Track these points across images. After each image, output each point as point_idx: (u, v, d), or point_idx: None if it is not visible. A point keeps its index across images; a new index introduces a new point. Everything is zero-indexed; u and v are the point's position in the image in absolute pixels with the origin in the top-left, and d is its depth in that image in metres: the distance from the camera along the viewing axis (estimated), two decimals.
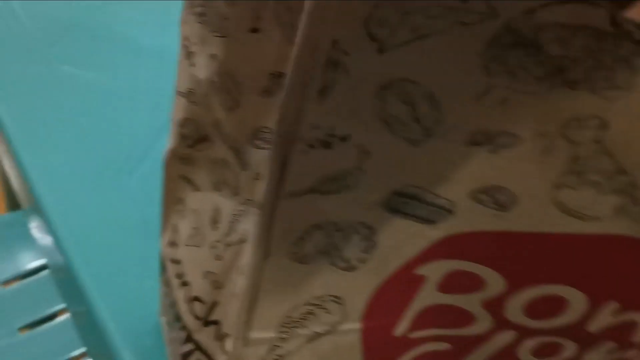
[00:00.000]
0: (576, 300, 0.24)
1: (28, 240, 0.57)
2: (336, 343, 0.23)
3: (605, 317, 0.24)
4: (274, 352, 0.22)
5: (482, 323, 0.25)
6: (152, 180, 0.42)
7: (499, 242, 0.22)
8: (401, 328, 0.24)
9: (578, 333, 0.25)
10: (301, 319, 0.21)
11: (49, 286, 0.52)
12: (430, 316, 0.25)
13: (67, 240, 0.36)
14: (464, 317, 0.25)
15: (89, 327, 0.35)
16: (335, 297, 0.21)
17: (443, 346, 0.26)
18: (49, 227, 0.38)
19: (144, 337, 0.32)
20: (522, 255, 0.23)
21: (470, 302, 0.24)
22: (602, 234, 0.21)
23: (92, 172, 0.42)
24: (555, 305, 0.24)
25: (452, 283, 0.24)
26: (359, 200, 0.18)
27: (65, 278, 0.37)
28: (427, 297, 0.23)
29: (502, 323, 0.25)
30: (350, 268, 0.20)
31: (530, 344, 0.26)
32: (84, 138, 0.44)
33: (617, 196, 0.19)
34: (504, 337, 0.26)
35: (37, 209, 0.40)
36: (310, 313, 0.21)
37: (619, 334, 0.24)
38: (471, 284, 0.24)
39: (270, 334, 0.21)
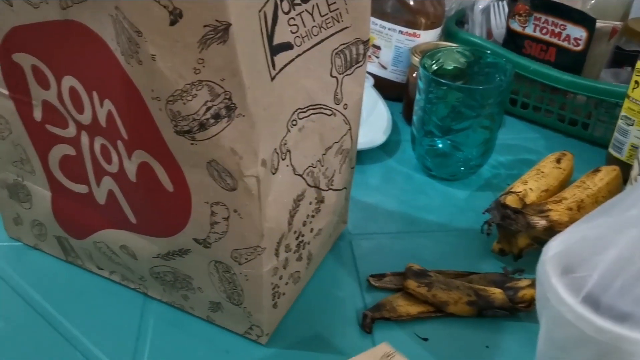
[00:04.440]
0: (81, 92, 0.30)
1: None
2: None
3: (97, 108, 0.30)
4: None
5: (71, 125, 0.32)
6: None
7: (32, 32, 0.30)
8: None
9: (98, 129, 0.31)
10: None
11: None
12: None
13: None
14: (60, 119, 0.32)
15: None
16: None
17: (70, 150, 0.33)
18: None
19: None
20: (48, 45, 0.30)
21: (53, 99, 0.32)
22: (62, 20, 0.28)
23: None
24: (77, 97, 0.31)
25: (36, 78, 0.31)
26: None
27: None
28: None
29: (77, 124, 0.32)
30: None
31: (97, 145, 0.32)
32: None
33: None
34: (84, 138, 0.32)
35: None
36: None
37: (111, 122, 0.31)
38: (44, 80, 0.31)
39: None
